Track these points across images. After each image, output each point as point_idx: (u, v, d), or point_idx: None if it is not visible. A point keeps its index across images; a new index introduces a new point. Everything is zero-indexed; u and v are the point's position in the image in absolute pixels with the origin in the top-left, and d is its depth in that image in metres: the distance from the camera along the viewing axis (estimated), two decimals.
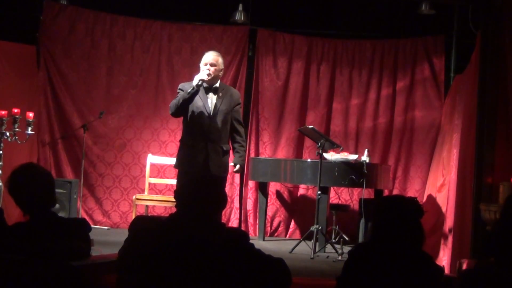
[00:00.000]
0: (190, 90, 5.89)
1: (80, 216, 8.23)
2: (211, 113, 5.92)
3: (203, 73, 5.91)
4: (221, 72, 6.10)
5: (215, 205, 3.14)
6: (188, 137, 6.00)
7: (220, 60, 6.05)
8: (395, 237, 3.08)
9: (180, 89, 6.03)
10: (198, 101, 5.93)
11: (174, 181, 8.22)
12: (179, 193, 3.17)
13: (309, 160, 7.92)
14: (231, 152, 6.18)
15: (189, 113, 5.96)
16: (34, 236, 3.29)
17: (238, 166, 6.10)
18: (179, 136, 8.63)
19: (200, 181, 3.21)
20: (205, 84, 5.96)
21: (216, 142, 5.92)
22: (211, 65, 5.94)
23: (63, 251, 3.23)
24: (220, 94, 5.99)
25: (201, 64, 6.02)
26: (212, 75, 5.92)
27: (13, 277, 3.02)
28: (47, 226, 3.36)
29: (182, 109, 5.96)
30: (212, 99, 5.99)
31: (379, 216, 3.16)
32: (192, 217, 3.05)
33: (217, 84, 6.03)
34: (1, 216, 3.49)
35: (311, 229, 7.12)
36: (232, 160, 6.14)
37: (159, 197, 8.12)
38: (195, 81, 5.89)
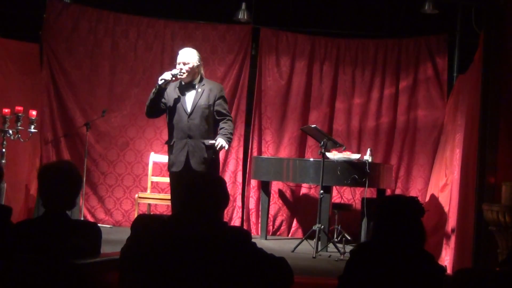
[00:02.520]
0: (153, 90, 5.85)
1: (82, 214, 8.25)
2: (188, 110, 5.85)
3: (168, 73, 5.81)
4: (199, 68, 5.97)
5: (217, 204, 3.14)
6: (170, 137, 5.98)
7: (195, 56, 5.93)
8: (396, 237, 3.08)
9: (161, 79, 5.92)
10: (175, 99, 5.88)
11: None
12: (182, 191, 3.17)
13: (311, 159, 7.92)
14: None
15: (168, 114, 5.94)
16: (41, 234, 3.29)
17: (217, 141, 5.79)
18: None
19: (202, 180, 3.21)
20: (182, 82, 5.91)
21: (197, 138, 5.84)
22: (183, 64, 5.88)
23: (69, 250, 3.23)
24: (199, 90, 5.91)
25: (176, 62, 5.96)
26: (185, 74, 5.85)
27: (17, 275, 3.03)
28: (56, 226, 3.35)
29: (152, 109, 5.93)
30: (191, 95, 5.91)
31: (381, 215, 3.16)
32: (194, 216, 3.05)
33: (196, 80, 5.95)
34: (8, 216, 3.49)
35: (313, 228, 7.13)
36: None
37: (162, 195, 8.12)
38: (159, 80, 5.82)
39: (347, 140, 8.79)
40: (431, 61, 8.80)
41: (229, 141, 5.91)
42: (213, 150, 5.85)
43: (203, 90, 5.92)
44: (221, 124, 5.94)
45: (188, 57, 5.91)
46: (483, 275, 3.20)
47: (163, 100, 5.91)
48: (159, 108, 5.93)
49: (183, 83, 5.94)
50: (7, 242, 3.26)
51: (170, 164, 5.97)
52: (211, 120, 5.92)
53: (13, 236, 3.31)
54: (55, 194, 3.39)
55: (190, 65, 5.89)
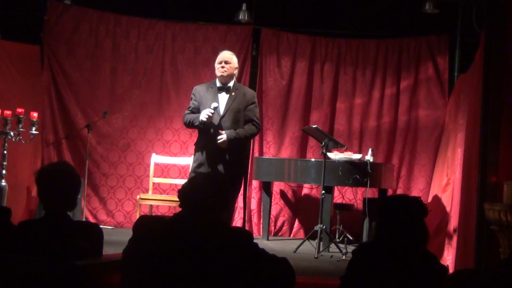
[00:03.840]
0: (196, 123, 6.02)
1: (84, 216, 8.25)
2: (221, 112, 6.00)
3: (203, 113, 5.94)
4: (236, 71, 6.22)
5: (219, 204, 3.13)
6: (200, 138, 6.11)
7: (235, 59, 6.20)
8: (399, 237, 3.08)
9: (193, 93, 6.18)
10: (209, 102, 6.01)
11: (178, 181, 8.26)
12: (183, 192, 3.17)
13: (313, 159, 7.92)
14: (248, 152, 6.28)
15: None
16: (42, 235, 3.29)
17: (223, 136, 5.96)
18: (183, 135, 8.72)
19: (204, 180, 3.21)
20: (218, 83, 6.09)
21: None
22: (226, 62, 6.10)
23: (70, 251, 3.23)
24: (233, 94, 6.09)
25: (216, 63, 6.19)
26: (227, 72, 6.07)
27: (17, 276, 3.03)
28: (58, 227, 3.35)
29: (196, 127, 6.14)
30: (224, 98, 6.07)
31: (383, 215, 3.16)
32: (196, 216, 3.05)
33: (231, 83, 6.14)
34: (8, 216, 3.49)
35: (315, 228, 7.12)
36: None
37: (163, 196, 8.12)
38: (202, 116, 5.94)
39: (348, 140, 8.78)
40: (432, 60, 8.80)
41: (237, 139, 5.98)
42: (243, 154, 6.10)
43: (237, 95, 6.09)
44: (245, 125, 6.10)
45: (230, 57, 6.16)
46: (482, 276, 3.19)
47: (195, 103, 6.12)
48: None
49: (218, 84, 6.12)
50: (7, 243, 3.26)
51: (198, 164, 6.05)
52: (242, 125, 6.10)
53: (15, 237, 3.31)
54: (54, 196, 3.39)
55: (231, 65, 6.13)
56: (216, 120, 5.99)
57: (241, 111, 6.06)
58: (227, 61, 6.11)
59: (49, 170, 3.49)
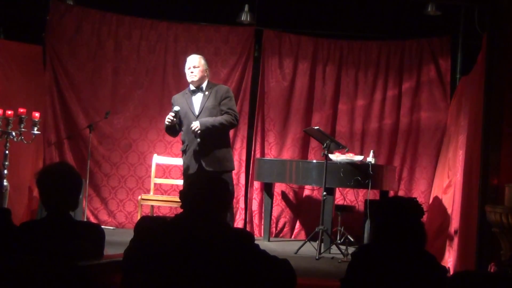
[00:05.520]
0: (166, 129, 6.31)
1: (85, 216, 8.26)
2: (196, 112, 6.17)
3: (168, 117, 6.17)
4: (207, 72, 6.33)
5: (220, 205, 3.14)
6: (183, 141, 6.29)
7: (202, 61, 6.31)
8: (396, 238, 3.08)
9: (172, 103, 6.39)
10: (184, 105, 6.22)
11: (179, 182, 8.25)
12: (185, 193, 3.17)
13: (314, 161, 7.92)
14: (231, 148, 6.41)
15: (180, 119, 6.27)
16: (44, 235, 3.29)
17: (196, 122, 6.06)
18: None
19: (205, 181, 3.21)
20: (192, 87, 6.27)
21: (206, 138, 6.08)
22: (194, 67, 6.25)
23: (72, 251, 3.23)
24: (206, 93, 6.24)
25: (185, 69, 6.34)
26: (197, 77, 6.21)
27: (19, 277, 3.03)
28: (60, 227, 3.36)
29: (172, 133, 6.37)
30: (198, 98, 6.24)
31: (379, 217, 3.16)
32: (197, 217, 3.05)
33: (204, 84, 6.28)
34: (8, 217, 3.49)
35: (316, 230, 7.13)
36: None
37: (165, 197, 8.12)
38: (167, 120, 6.18)
39: (350, 142, 8.78)
40: (434, 62, 8.80)
41: (211, 124, 6.07)
42: (225, 150, 6.18)
43: (210, 93, 6.23)
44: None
45: (197, 61, 6.28)
46: (482, 277, 3.19)
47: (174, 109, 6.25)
48: (176, 129, 6.31)
49: (192, 88, 6.28)
50: (9, 243, 3.26)
51: (186, 168, 6.23)
52: None
53: (16, 238, 3.31)
54: (56, 197, 3.39)
55: (200, 68, 6.25)
56: (192, 121, 6.11)
57: (216, 108, 6.18)
58: (195, 65, 6.25)
59: (49, 171, 3.48)
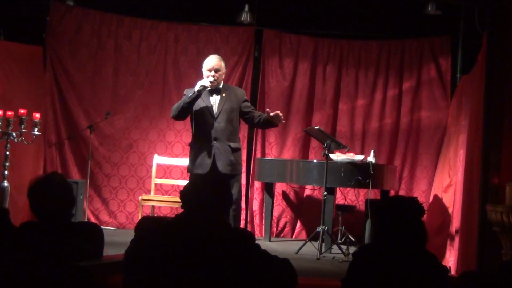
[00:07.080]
0: (191, 94, 5.97)
1: (86, 216, 8.26)
2: (215, 113, 6.04)
3: (206, 80, 5.98)
4: (224, 75, 6.21)
5: (221, 205, 3.14)
6: (195, 140, 6.14)
7: (223, 64, 6.15)
8: (396, 238, 3.08)
9: (184, 93, 6.17)
10: (201, 104, 6.05)
11: (180, 182, 8.26)
12: (185, 193, 3.17)
13: (315, 160, 7.92)
14: (243, 150, 6.37)
15: (194, 117, 6.09)
16: (43, 236, 3.29)
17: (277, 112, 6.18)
18: (185, 137, 8.71)
19: (205, 181, 3.21)
20: (208, 88, 6.05)
21: (223, 141, 6.02)
22: (215, 70, 6.07)
23: (71, 252, 3.23)
24: (224, 94, 6.11)
25: (204, 70, 6.13)
26: (217, 81, 6.05)
27: (20, 278, 3.03)
28: (59, 228, 3.35)
29: (183, 113, 6.07)
30: (216, 100, 6.10)
31: (379, 217, 3.16)
32: (198, 217, 3.05)
33: (220, 86, 6.15)
34: (6, 217, 3.49)
35: (317, 229, 7.12)
36: (266, 118, 6.19)
37: (165, 197, 8.13)
38: (197, 86, 5.96)
39: (351, 142, 8.78)
40: (435, 62, 8.79)
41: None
42: (238, 153, 6.12)
43: (228, 95, 6.12)
44: (255, 114, 6.24)
45: (219, 63, 6.10)
46: (490, 278, 3.18)
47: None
48: (190, 112, 6.07)
49: (209, 88, 6.08)
50: (8, 244, 3.26)
51: (194, 167, 6.07)
52: (236, 124, 6.17)
53: (16, 238, 3.31)
54: (48, 209, 3.36)
55: (221, 72, 6.11)
56: (210, 122, 6.03)
57: (234, 111, 6.11)
58: (217, 69, 6.05)
59: (37, 184, 3.40)
